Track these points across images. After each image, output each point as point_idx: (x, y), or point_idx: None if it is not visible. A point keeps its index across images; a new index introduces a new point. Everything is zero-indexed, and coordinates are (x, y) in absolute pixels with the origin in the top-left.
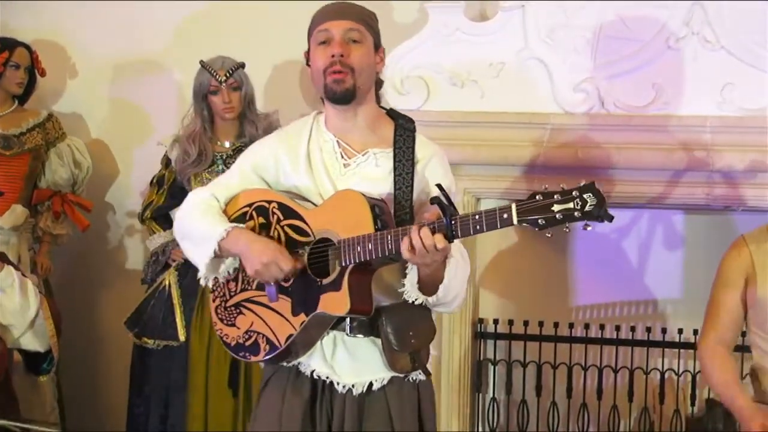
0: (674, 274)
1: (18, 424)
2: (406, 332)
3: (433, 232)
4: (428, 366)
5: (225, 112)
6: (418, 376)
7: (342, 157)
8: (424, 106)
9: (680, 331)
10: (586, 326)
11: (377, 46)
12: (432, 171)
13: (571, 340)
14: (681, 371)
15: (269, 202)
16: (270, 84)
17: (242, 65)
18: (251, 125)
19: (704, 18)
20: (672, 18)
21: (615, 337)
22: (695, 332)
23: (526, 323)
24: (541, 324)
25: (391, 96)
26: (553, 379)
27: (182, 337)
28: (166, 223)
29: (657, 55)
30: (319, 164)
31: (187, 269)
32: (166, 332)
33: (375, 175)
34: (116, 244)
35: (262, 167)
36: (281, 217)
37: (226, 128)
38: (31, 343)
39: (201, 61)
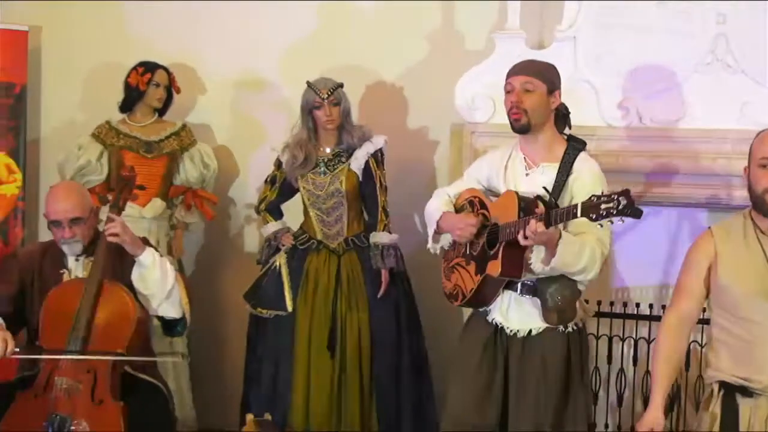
0: None
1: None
2: (554, 297)
3: (539, 221)
4: (578, 321)
5: (327, 124)
6: (567, 329)
7: (526, 168)
8: (491, 119)
9: (703, 309)
10: (624, 304)
11: (552, 91)
12: (581, 182)
13: (612, 315)
14: (704, 343)
15: (474, 197)
16: (363, 100)
17: (341, 85)
18: (348, 135)
19: (726, 47)
20: (699, 47)
21: (648, 313)
22: None
23: (586, 301)
24: (587, 301)
25: (464, 111)
26: (596, 348)
27: (290, 308)
28: (278, 214)
29: (686, 78)
30: (511, 173)
31: (294, 252)
32: (277, 304)
33: (541, 182)
34: (236, 231)
35: (479, 175)
36: (479, 207)
37: (328, 137)
38: (168, 310)
39: (307, 82)
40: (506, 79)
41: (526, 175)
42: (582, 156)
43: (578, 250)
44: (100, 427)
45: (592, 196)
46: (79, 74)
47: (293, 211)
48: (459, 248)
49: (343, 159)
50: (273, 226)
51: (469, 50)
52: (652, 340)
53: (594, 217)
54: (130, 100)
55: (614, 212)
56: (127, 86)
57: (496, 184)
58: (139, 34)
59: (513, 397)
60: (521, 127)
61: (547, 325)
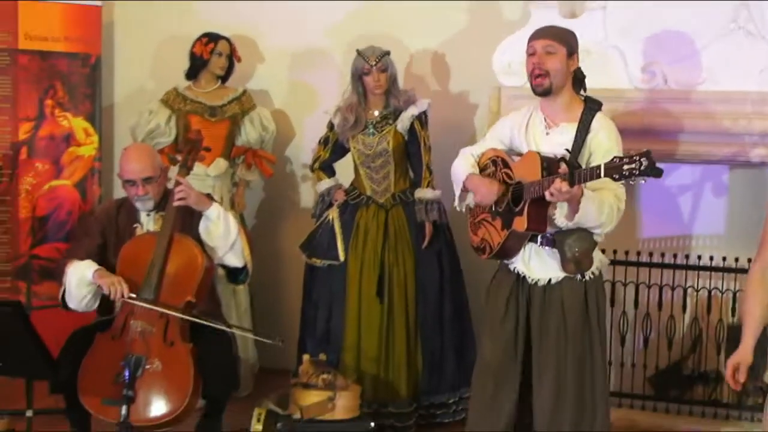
0: (719, 215)
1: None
2: (572, 248)
3: (563, 181)
4: (595, 270)
5: (375, 89)
6: (584, 278)
7: (546, 128)
8: (526, 84)
9: (724, 258)
10: (650, 254)
11: (571, 54)
12: (598, 140)
13: (639, 264)
14: (724, 289)
15: (497, 157)
16: (408, 67)
17: (388, 53)
18: (395, 99)
19: (748, 16)
20: (722, 15)
21: (673, 262)
22: (736, 260)
23: (602, 251)
24: (615, 252)
25: (501, 76)
26: (624, 294)
27: (342, 258)
28: (330, 172)
29: (709, 44)
30: (531, 133)
31: (346, 207)
32: (330, 254)
33: (560, 141)
34: (293, 188)
35: (502, 135)
36: (501, 167)
37: (376, 101)
38: (232, 260)
39: (357, 50)
40: (528, 43)
41: (546, 134)
42: (599, 116)
43: (598, 206)
44: (171, 366)
45: (615, 157)
46: (148, 45)
47: (344, 170)
48: (483, 205)
49: (390, 121)
50: (326, 183)
51: (507, 20)
52: (676, 287)
53: (617, 177)
54: (195, 69)
55: (636, 172)
56: (193, 56)
57: (518, 144)
58: (204, 8)
59: (536, 342)
60: (543, 90)
61: (565, 274)
